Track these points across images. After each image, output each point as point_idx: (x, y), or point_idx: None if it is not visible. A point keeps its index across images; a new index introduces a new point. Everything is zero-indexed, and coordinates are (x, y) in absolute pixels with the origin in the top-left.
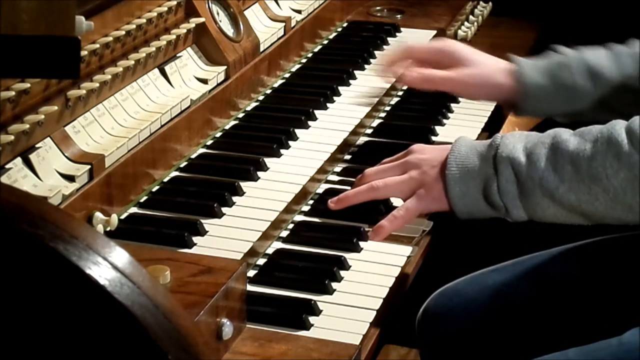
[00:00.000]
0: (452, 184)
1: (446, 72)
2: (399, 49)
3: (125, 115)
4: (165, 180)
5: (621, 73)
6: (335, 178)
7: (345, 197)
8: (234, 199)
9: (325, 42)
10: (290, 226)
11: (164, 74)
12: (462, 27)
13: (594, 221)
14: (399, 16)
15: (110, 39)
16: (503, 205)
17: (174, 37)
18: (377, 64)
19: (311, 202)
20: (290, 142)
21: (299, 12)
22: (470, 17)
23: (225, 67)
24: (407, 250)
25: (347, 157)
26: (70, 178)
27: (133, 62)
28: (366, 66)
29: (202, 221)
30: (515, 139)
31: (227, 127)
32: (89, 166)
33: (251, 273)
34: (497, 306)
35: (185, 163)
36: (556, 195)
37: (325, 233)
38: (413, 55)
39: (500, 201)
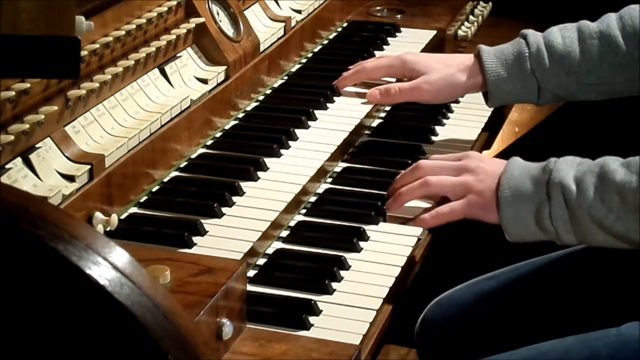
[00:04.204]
0: (504, 206)
1: (405, 84)
2: (352, 70)
3: (125, 115)
4: (165, 180)
5: (584, 55)
6: (335, 178)
7: (399, 196)
8: (234, 199)
9: (325, 42)
10: (291, 226)
11: (164, 74)
12: (462, 27)
13: None
14: (399, 16)
15: (110, 39)
16: (554, 229)
17: (174, 37)
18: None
19: (311, 202)
20: (290, 142)
21: (299, 12)
22: (470, 17)
23: (225, 67)
24: (407, 250)
25: (347, 157)
26: (70, 178)
27: (133, 62)
28: None
29: (202, 221)
30: (568, 165)
31: (227, 127)
32: (89, 166)
33: (251, 273)
34: (493, 312)
35: (185, 163)
36: (605, 224)
37: (325, 233)
38: (366, 74)
39: (552, 226)
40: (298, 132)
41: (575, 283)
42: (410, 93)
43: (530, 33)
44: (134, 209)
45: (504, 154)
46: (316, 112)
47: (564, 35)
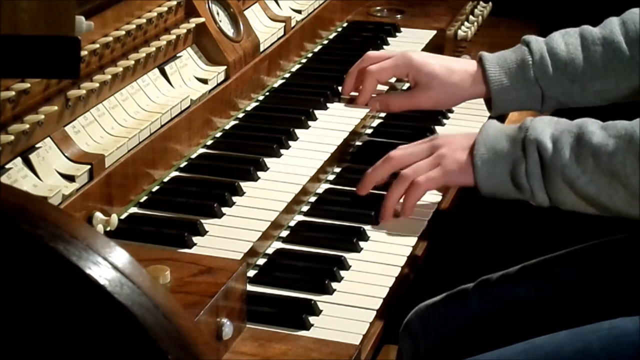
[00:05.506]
0: (479, 165)
1: (404, 96)
2: (360, 61)
3: (125, 115)
4: (165, 180)
5: (588, 61)
6: (335, 178)
7: (385, 204)
8: (234, 199)
9: (325, 42)
10: (291, 226)
11: (164, 74)
12: (462, 27)
13: (610, 214)
14: (399, 16)
15: (110, 39)
16: (529, 187)
17: (174, 37)
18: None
19: (311, 202)
20: (290, 142)
21: (299, 12)
22: (470, 17)
23: (225, 67)
24: (407, 250)
25: (347, 157)
26: (70, 178)
27: (133, 62)
28: None
29: (202, 221)
30: (545, 124)
31: (227, 127)
32: (89, 166)
33: (251, 273)
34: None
35: (185, 163)
36: (576, 185)
37: (325, 233)
38: (373, 78)
39: (527, 183)
40: (298, 132)
41: (572, 281)
42: (409, 104)
43: (533, 40)
44: (134, 209)
45: None
46: (316, 112)
47: (567, 42)
